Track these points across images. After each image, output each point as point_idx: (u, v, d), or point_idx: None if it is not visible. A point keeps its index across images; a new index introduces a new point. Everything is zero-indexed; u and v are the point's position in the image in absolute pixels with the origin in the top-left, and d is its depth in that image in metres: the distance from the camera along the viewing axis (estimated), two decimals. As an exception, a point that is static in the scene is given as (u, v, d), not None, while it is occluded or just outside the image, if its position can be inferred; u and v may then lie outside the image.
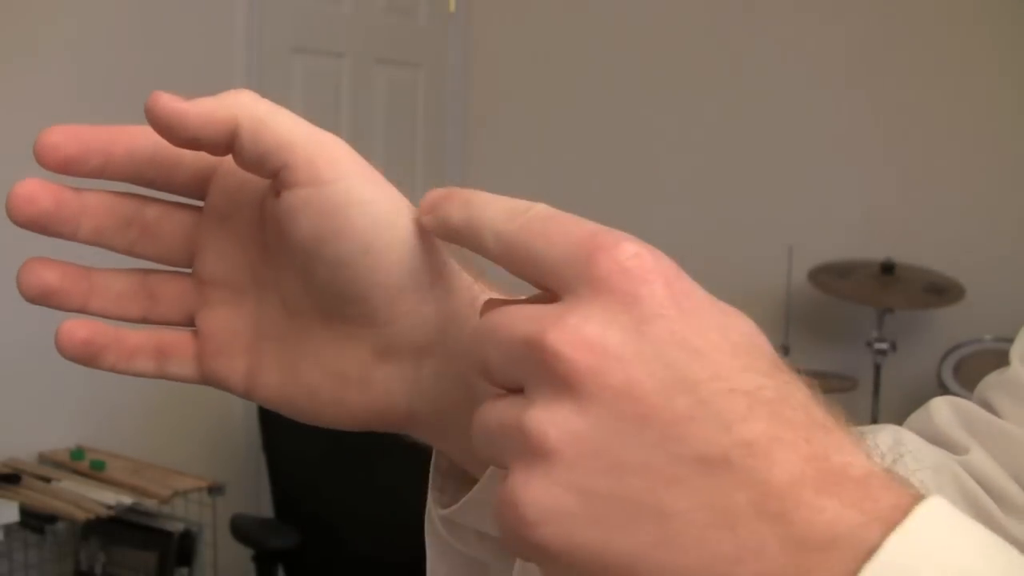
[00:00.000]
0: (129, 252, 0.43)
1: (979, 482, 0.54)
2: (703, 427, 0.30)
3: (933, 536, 0.29)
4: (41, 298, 0.40)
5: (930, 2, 3.24)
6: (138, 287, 0.43)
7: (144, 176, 0.41)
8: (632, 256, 0.32)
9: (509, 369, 0.33)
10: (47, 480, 2.46)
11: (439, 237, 0.39)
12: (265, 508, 2.95)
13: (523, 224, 0.34)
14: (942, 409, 0.58)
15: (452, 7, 3.69)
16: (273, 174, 0.39)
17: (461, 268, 0.43)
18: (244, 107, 0.38)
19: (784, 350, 2.99)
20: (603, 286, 0.31)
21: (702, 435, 0.30)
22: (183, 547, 2.46)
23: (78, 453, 2.61)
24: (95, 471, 2.53)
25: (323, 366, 0.42)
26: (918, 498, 0.30)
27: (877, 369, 3.01)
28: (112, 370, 0.44)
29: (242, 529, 2.60)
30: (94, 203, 0.41)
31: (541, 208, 0.35)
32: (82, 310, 0.42)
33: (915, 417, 0.59)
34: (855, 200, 3.31)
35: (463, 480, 0.46)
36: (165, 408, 2.86)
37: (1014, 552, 0.30)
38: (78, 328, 0.41)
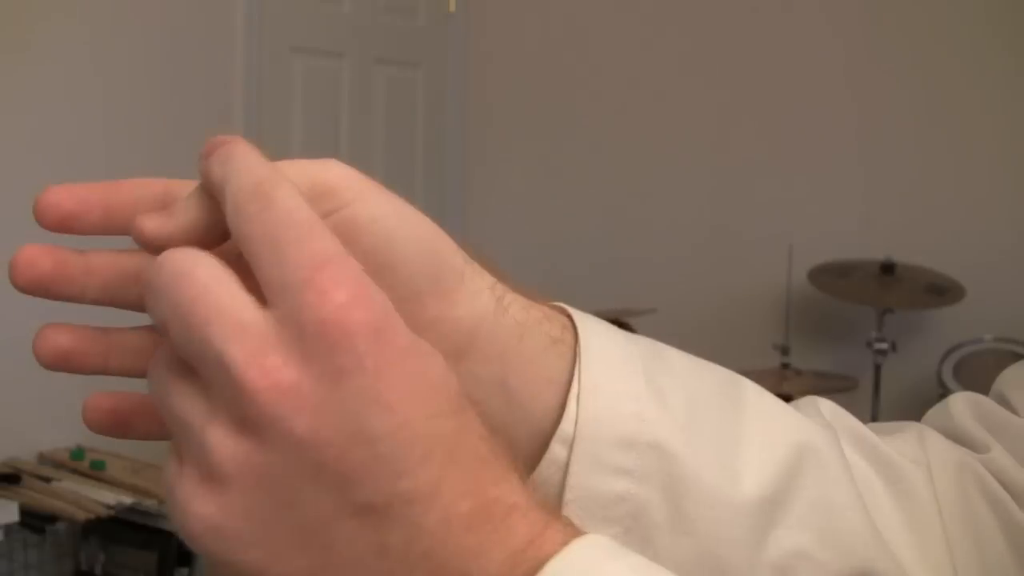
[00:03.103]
0: (140, 308, 0.40)
1: (1000, 482, 0.53)
2: (373, 478, 0.32)
3: (583, 565, 0.32)
4: (58, 363, 0.39)
5: (930, 3, 3.24)
6: (154, 342, 0.41)
7: None
8: (342, 306, 0.32)
9: (193, 354, 0.33)
10: (47, 480, 2.46)
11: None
12: (265, 508, 2.94)
13: (256, 215, 0.33)
14: (961, 406, 0.57)
15: (452, 7, 3.69)
16: None
17: (483, 269, 0.43)
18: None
19: (784, 350, 2.99)
20: (310, 328, 0.32)
21: (371, 485, 0.32)
22: (183, 547, 2.46)
23: (78, 453, 2.60)
24: (95, 471, 2.52)
25: None
26: (569, 530, 0.34)
27: (877, 369, 3.01)
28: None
29: (242, 529, 2.59)
30: (98, 262, 0.39)
31: (280, 203, 0.33)
32: (102, 371, 0.41)
33: (934, 413, 0.59)
34: (855, 200, 3.31)
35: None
36: (165, 408, 2.85)
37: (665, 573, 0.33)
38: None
